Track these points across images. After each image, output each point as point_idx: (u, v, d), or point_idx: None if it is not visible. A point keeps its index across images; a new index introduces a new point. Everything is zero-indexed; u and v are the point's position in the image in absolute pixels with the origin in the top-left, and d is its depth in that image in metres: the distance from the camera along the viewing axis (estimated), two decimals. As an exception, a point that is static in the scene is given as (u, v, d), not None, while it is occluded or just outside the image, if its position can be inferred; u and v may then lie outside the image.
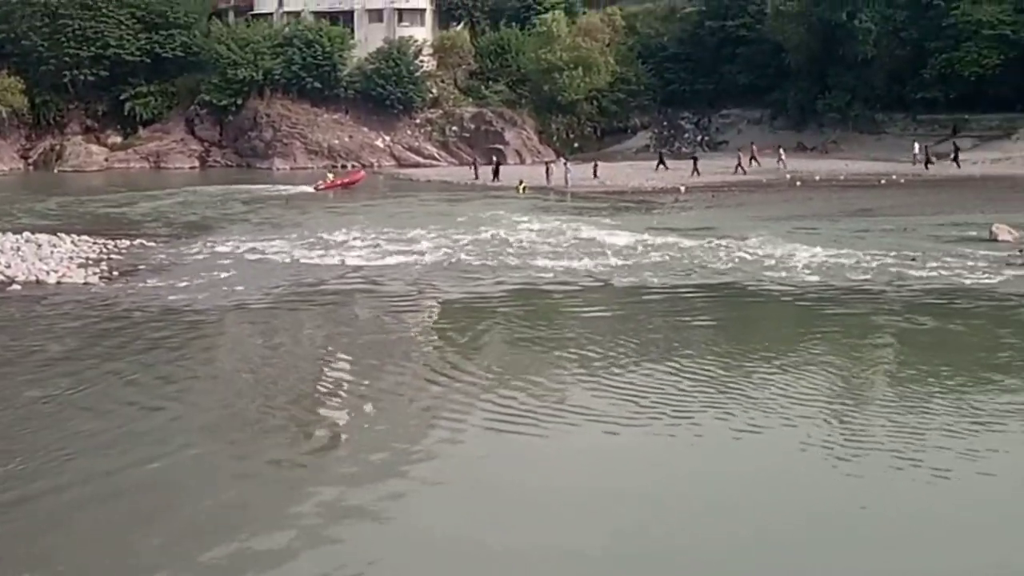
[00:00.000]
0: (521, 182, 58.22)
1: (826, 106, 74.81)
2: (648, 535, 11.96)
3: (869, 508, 12.53)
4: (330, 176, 64.62)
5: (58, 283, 28.50)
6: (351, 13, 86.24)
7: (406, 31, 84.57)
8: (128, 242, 36.33)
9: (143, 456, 14.44)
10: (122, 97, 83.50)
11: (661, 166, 65.03)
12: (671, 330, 22.02)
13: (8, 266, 30.00)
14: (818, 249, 31.52)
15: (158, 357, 20.15)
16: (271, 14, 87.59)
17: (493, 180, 64.08)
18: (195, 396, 17.62)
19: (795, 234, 35.68)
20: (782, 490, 13.22)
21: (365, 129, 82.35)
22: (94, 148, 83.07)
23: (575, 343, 20.86)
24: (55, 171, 79.32)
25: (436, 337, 22.68)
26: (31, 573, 11.17)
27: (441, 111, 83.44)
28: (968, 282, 26.21)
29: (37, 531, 12.18)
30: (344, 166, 75.92)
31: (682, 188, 55.84)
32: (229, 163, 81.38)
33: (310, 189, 61.22)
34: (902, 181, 57.48)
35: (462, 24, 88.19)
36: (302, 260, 32.33)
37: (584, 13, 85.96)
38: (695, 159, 65.17)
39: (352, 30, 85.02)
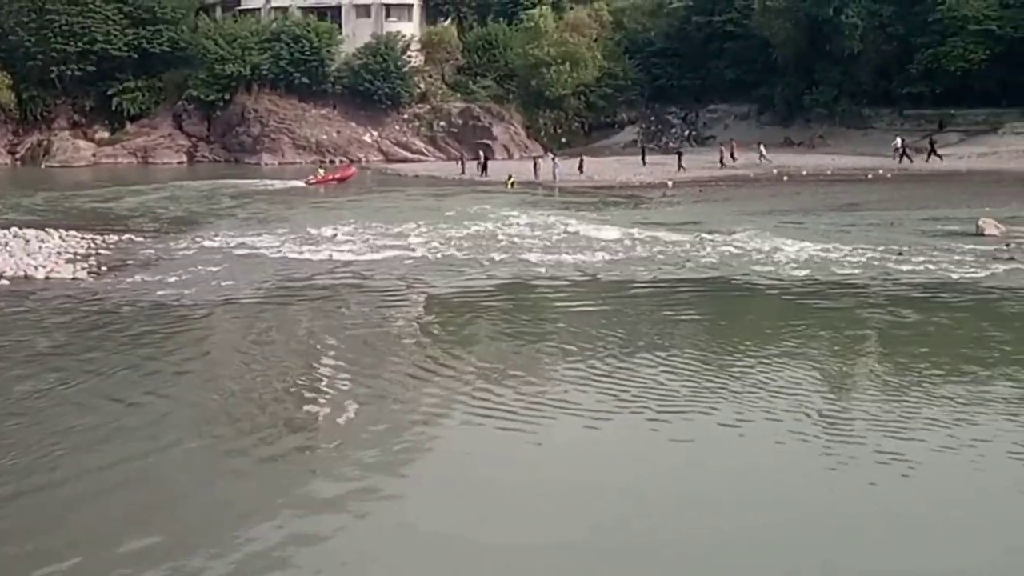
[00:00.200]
0: (510, 177, 58.30)
1: (813, 101, 75.01)
2: (630, 529, 12.02)
3: (851, 501, 12.64)
4: (321, 172, 64.66)
5: (46, 278, 28.48)
6: (339, 8, 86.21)
7: (394, 26, 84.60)
8: (116, 237, 36.32)
9: (132, 451, 14.46)
10: (109, 92, 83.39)
11: (644, 161, 65.20)
12: (658, 324, 22.09)
13: (-4, 261, 30.02)
14: (805, 243, 31.64)
15: (147, 352, 20.17)
16: (258, 9, 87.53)
17: (481, 175, 64.21)
18: (185, 391, 17.63)
19: (782, 228, 35.81)
20: (765, 484, 13.27)
21: (353, 124, 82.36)
22: (81, 143, 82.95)
23: (562, 337, 20.92)
24: (43, 166, 79.19)
25: (424, 332, 22.71)
26: (22, 569, 11.18)
27: (429, 106, 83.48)
28: (955, 276, 26.33)
29: (27, 527, 12.21)
30: (332, 161, 75.91)
31: (669, 183, 55.96)
32: (217, 158, 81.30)
33: (301, 184, 61.27)
34: (889, 176, 57.65)
35: (449, 19, 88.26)
36: (290, 255, 32.35)
37: (571, 8, 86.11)
38: (680, 154, 65.51)
39: (340, 25, 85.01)
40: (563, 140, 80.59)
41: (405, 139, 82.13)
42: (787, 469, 13.74)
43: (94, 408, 16.48)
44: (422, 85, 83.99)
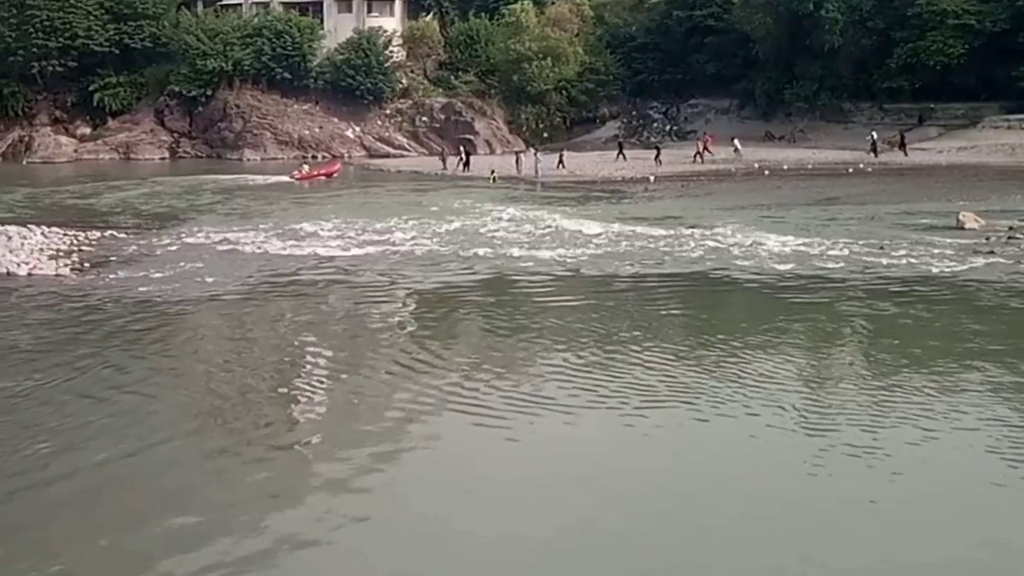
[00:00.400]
0: (492, 171, 58.38)
1: (793, 95, 75.19)
2: (609, 522, 12.15)
3: (828, 495, 12.85)
4: (305, 167, 64.59)
5: (29, 275, 28.48)
6: (320, 3, 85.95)
7: (375, 21, 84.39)
8: (99, 233, 36.28)
9: (118, 449, 14.55)
10: (91, 88, 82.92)
11: (620, 156, 65.34)
12: (640, 319, 22.23)
13: (-23, 258, 29.99)
14: (787, 237, 31.84)
15: (131, 349, 20.24)
16: (240, 4, 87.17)
17: (463, 170, 64.21)
18: (170, 388, 17.73)
19: (764, 223, 35.99)
20: (742, 477, 13.42)
21: (335, 120, 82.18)
22: (63, 139, 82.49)
23: (545, 333, 21.05)
24: (24, 162, 78.72)
25: (407, 327, 22.82)
26: (12, 565, 11.27)
27: (411, 101, 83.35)
28: (935, 270, 26.55)
29: (15, 524, 12.30)
30: (315, 157, 75.72)
31: (651, 178, 56.13)
32: (199, 154, 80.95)
33: (283, 179, 61.16)
34: (869, 170, 57.89)
35: (431, 14, 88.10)
36: (274, 251, 32.38)
37: (553, 3, 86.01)
38: (658, 149, 65.65)
39: (321, 20, 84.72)
40: (545, 135, 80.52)
41: (387, 134, 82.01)
42: (765, 462, 13.88)
43: (79, 405, 16.55)
44: (404, 80, 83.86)
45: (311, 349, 20.22)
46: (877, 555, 11.32)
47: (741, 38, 76.75)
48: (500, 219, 39.06)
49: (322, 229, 36.85)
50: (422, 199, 48.28)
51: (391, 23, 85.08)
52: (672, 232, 33.75)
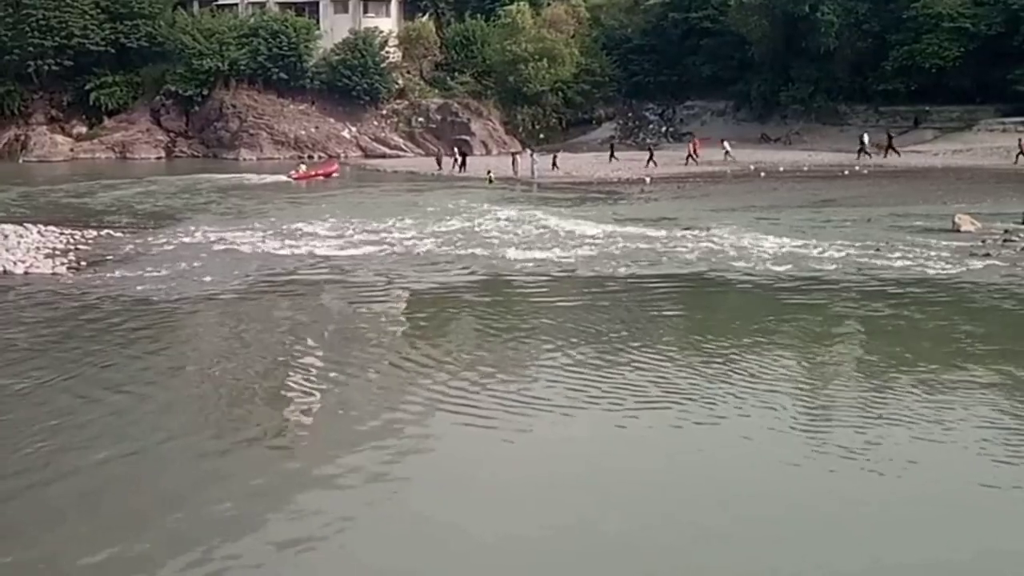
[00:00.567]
0: (489, 172, 58.43)
1: (789, 97, 75.27)
2: (602, 523, 12.18)
3: (822, 496, 12.90)
4: (303, 167, 64.64)
5: (26, 273, 28.51)
6: (316, 4, 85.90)
7: (372, 22, 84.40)
8: (95, 233, 36.31)
9: (115, 443, 14.62)
10: (87, 87, 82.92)
11: (612, 158, 65.37)
12: (636, 320, 22.25)
13: (-26, 257, 29.99)
14: (783, 239, 31.88)
15: (129, 347, 20.26)
16: (236, 4, 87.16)
17: (460, 171, 64.27)
18: (167, 387, 17.73)
19: (760, 224, 36.01)
20: (737, 478, 13.44)
21: (331, 120, 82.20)
22: (59, 138, 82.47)
23: (540, 333, 21.07)
24: (20, 161, 78.66)
25: (403, 327, 22.87)
26: (12, 568, 11.30)
27: (407, 102, 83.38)
28: (931, 272, 26.58)
29: (13, 525, 12.31)
30: (311, 157, 75.74)
31: (647, 179, 56.19)
32: (195, 153, 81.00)
33: (279, 179, 61.23)
34: (865, 172, 57.88)
35: (427, 15, 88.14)
36: (270, 250, 32.41)
37: (549, 5, 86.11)
38: (651, 150, 65.74)
39: (317, 20, 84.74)
40: (541, 136, 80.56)
41: (383, 135, 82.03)
42: (759, 464, 13.90)
43: (77, 404, 16.56)
44: (400, 81, 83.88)
45: (308, 349, 20.23)
46: (869, 557, 11.33)
47: (737, 40, 76.82)
48: (496, 220, 39.09)
49: (319, 229, 36.89)
50: (418, 199, 48.32)
51: (387, 24, 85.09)
52: (668, 233, 33.79)
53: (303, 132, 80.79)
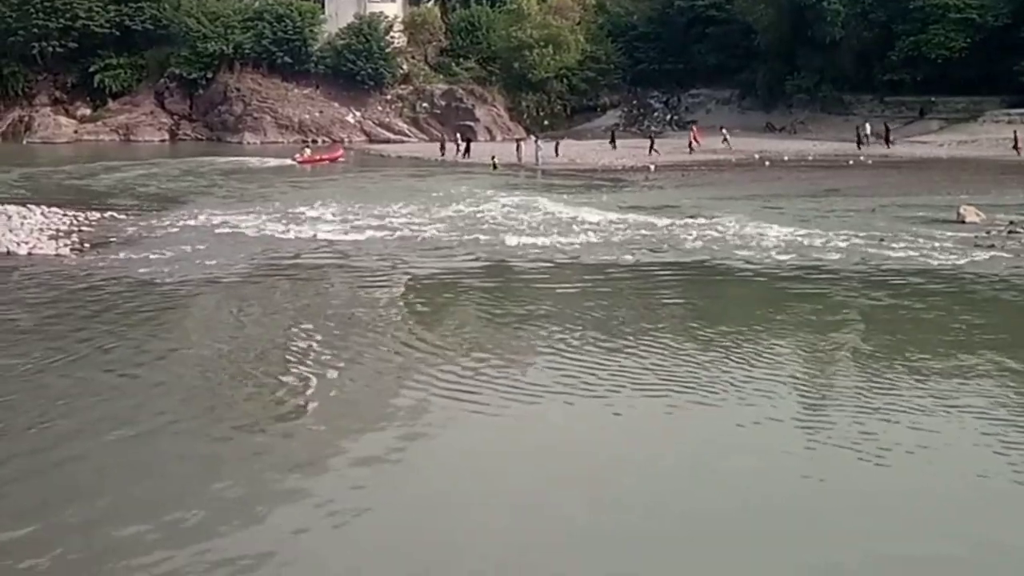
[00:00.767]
0: (493, 158, 58.39)
1: (795, 87, 75.20)
2: (603, 511, 12.15)
3: (822, 486, 12.87)
4: (307, 151, 64.62)
5: (29, 255, 28.47)
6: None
7: (377, 7, 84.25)
8: (99, 214, 36.28)
9: (121, 425, 14.56)
10: (91, 69, 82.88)
11: (612, 145, 65.27)
12: (639, 307, 22.24)
13: (-22, 237, 29.96)
14: (787, 228, 31.80)
15: (132, 328, 20.26)
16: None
17: (464, 157, 64.22)
18: (169, 366, 17.71)
19: (765, 213, 35.95)
20: (737, 467, 13.34)
21: (336, 104, 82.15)
22: (63, 120, 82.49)
23: (543, 319, 21.01)
24: (24, 142, 78.71)
25: (406, 311, 22.82)
26: (20, 550, 11.25)
27: (412, 87, 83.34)
28: (936, 263, 26.49)
29: (22, 508, 12.25)
30: (315, 141, 75.75)
31: (652, 167, 56.14)
32: (199, 136, 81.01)
33: (283, 163, 61.22)
34: (870, 162, 57.83)
35: (433, 1, 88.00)
36: (274, 234, 32.38)
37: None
38: (652, 139, 65.74)
39: (323, 5, 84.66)
40: (546, 123, 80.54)
41: (388, 120, 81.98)
42: (758, 452, 13.81)
43: (80, 381, 16.58)
44: (405, 66, 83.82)
45: (311, 332, 20.14)
46: (867, 548, 11.27)
47: (743, 29, 76.76)
48: (500, 206, 39.05)
49: (322, 213, 36.87)
50: (422, 185, 48.30)
51: (392, 9, 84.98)
52: (672, 221, 33.74)
53: (307, 116, 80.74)
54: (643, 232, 31.75)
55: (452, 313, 22.44)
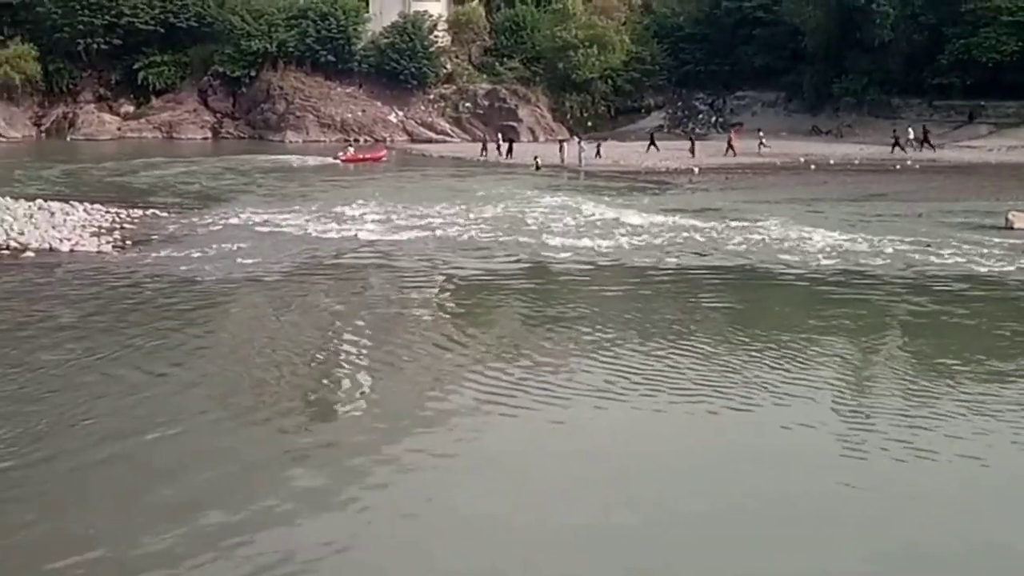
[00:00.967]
0: (536, 158, 58.24)
1: (842, 90, 74.56)
2: (638, 510, 12.03)
3: (858, 487, 12.70)
4: (351, 149, 64.76)
5: (71, 251, 28.54)
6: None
7: (421, 6, 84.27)
8: (140, 212, 36.37)
9: (155, 421, 14.53)
10: (135, 66, 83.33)
11: (651, 147, 64.97)
12: (681, 311, 22.00)
13: (21, 233, 30.04)
14: (832, 233, 31.43)
15: (172, 326, 20.21)
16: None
17: (507, 157, 64.08)
18: (208, 365, 17.68)
19: (809, 217, 35.63)
20: (771, 470, 13.22)
21: (378, 103, 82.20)
22: (107, 117, 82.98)
23: (584, 322, 20.82)
24: (68, 139, 79.34)
25: (447, 313, 22.69)
26: (46, 528, 11.33)
27: (455, 87, 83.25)
28: (983, 270, 26.10)
29: (51, 491, 12.31)
30: (357, 140, 75.85)
31: (696, 169, 55.75)
32: (241, 135, 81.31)
33: (328, 161, 61.32)
34: (917, 167, 57.27)
35: (477, 0, 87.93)
36: (314, 233, 32.32)
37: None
38: (692, 140, 65.34)
39: (367, 3, 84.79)
40: (589, 124, 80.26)
41: (430, 120, 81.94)
42: (796, 457, 13.68)
43: (119, 378, 16.57)
44: (448, 66, 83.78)
45: (351, 332, 20.08)
46: (906, 553, 11.18)
47: (790, 30, 76.19)
48: (542, 207, 38.86)
49: (363, 212, 36.79)
50: (464, 185, 48.22)
51: (437, 7, 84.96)
52: (715, 224, 33.45)
53: (349, 115, 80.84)
54: (686, 235, 31.46)
55: (491, 315, 22.29)
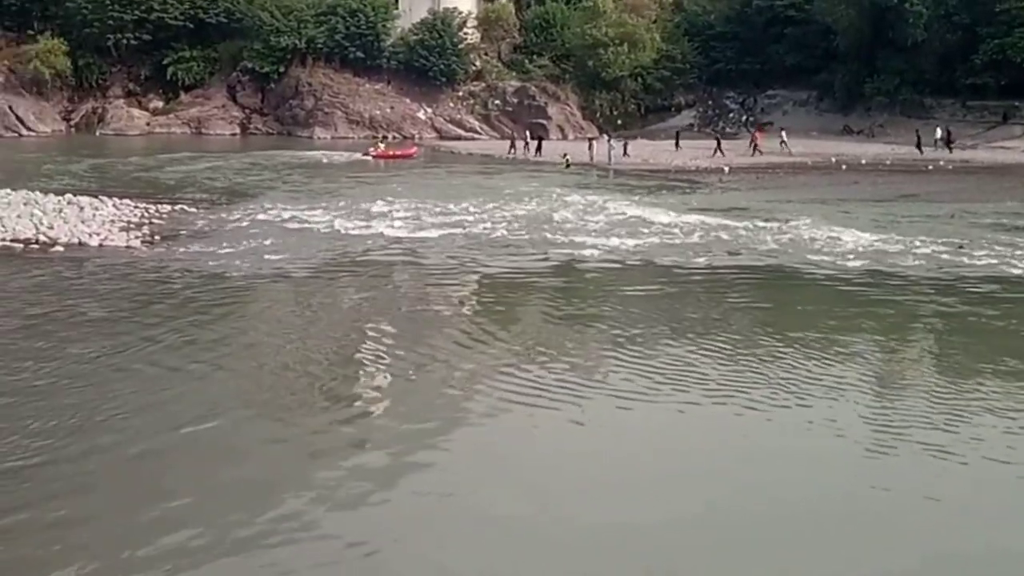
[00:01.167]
0: (565, 155, 58.13)
1: (874, 89, 74.11)
2: (660, 509, 11.97)
3: (883, 489, 12.61)
4: (381, 145, 64.79)
5: (100, 246, 28.56)
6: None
7: (451, 3, 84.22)
8: (169, 207, 36.41)
9: (181, 417, 14.51)
10: (165, 62, 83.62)
11: (677, 146, 64.66)
12: (710, 311, 21.77)
13: (51, 227, 30.12)
14: (863, 233, 31.17)
15: (199, 322, 20.18)
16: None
17: (536, 155, 63.98)
18: (235, 361, 17.63)
19: (840, 217, 35.36)
20: (792, 467, 13.19)
21: (407, 100, 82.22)
22: (136, 112, 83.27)
23: (613, 321, 20.70)
24: (97, 134, 79.64)
25: (474, 311, 22.60)
26: (69, 526, 11.30)
27: (484, 84, 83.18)
28: (1017, 271, 25.84)
29: (77, 485, 12.29)
30: (386, 137, 75.83)
31: (726, 168, 55.48)
32: (270, 131, 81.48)
33: (353, 158, 61.37)
34: (949, 167, 56.85)
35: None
36: (342, 230, 32.26)
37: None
38: (718, 139, 65.09)
39: (396, 0, 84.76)
40: (619, 122, 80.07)
41: (459, 117, 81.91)
42: (819, 459, 13.55)
43: (146, 374, 16.53)
44: (478, 63, 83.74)
45: (377, 329, 20.01)
46: (937, 552, 11.14)
47: (822, 29, 75.80)
48: (571, 205, 38.71)
49: (391, 209, 36.72)
50: (492, 182, 48.11)
51: (466, 4, 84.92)
52: (745, 224, 33.23)
53: (378, 112, 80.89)
54: (715, 234, 31.27)
55: (518, 313, 22.18)
